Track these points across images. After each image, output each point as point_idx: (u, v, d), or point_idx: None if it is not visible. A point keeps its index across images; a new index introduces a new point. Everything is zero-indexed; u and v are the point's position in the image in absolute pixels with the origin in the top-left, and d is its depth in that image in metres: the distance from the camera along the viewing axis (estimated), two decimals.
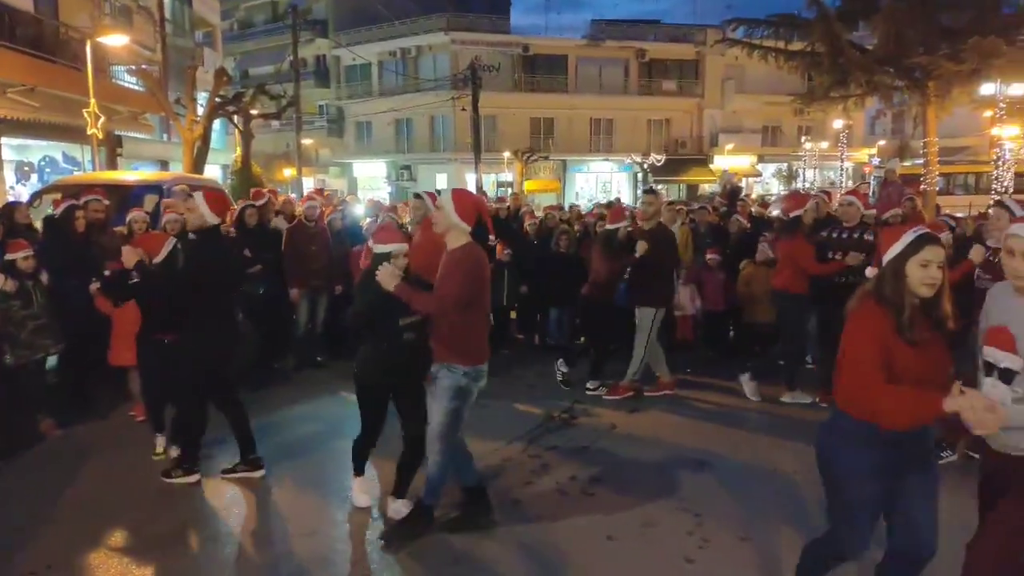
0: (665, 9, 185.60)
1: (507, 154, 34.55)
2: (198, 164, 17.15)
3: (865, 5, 21.26)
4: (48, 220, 6.84)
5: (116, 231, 6.93)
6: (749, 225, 8.68)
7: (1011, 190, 26.65)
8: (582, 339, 8.19)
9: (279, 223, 8.05)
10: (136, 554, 4.08)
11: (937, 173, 24.59)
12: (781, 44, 23.87)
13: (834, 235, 6.49)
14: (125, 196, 8.40)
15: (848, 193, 7.04)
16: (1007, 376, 2.60)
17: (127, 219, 6.80)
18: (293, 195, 17.77)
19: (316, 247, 7.73)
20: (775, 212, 9.03)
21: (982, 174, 27.97)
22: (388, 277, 3.88)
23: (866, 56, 21.60)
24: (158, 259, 5.14)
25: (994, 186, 21.04)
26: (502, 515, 4.41)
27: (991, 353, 2.65)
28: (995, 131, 20.67)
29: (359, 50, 36.96)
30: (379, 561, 3.99)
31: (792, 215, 6.59)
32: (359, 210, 9.74)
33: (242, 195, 12.44)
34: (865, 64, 21.29)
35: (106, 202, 7.07)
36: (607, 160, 40.69)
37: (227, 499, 4.78)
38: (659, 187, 36.09)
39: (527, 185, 35.87)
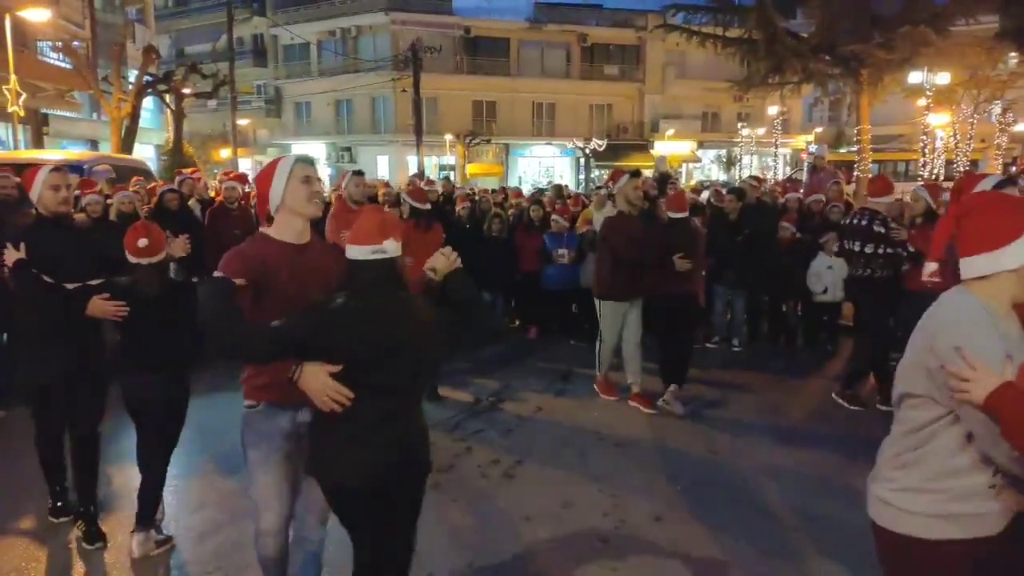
0: None
1: (449, 137, 34.29)
2: (127, 143, 16.72)
3: None
4: None
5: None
6: None
7: (941, 177, 27.65)
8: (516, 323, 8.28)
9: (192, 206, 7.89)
10: None
11: (870, 160, 25.30)
12: (719, 30, 24.14)
13: None
14: None
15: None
16: None
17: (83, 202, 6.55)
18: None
19: (240, 231, 7.47)
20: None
21: (911, 161, 28.76)
22: None
23: (801, 44, 21.95)
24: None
25: (921, 172, 21.64)
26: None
27: None
28: (930, 119, 21.21)
29: (297, 29, 36.14)
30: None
31: None
32: None
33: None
34: (800, 52, 21.65)
35: (16, 179, 6.75)
36: (549, 144, 40.64)
37: None
38: (600, 172, 36.37)
39: (470, 169, 35.65)
